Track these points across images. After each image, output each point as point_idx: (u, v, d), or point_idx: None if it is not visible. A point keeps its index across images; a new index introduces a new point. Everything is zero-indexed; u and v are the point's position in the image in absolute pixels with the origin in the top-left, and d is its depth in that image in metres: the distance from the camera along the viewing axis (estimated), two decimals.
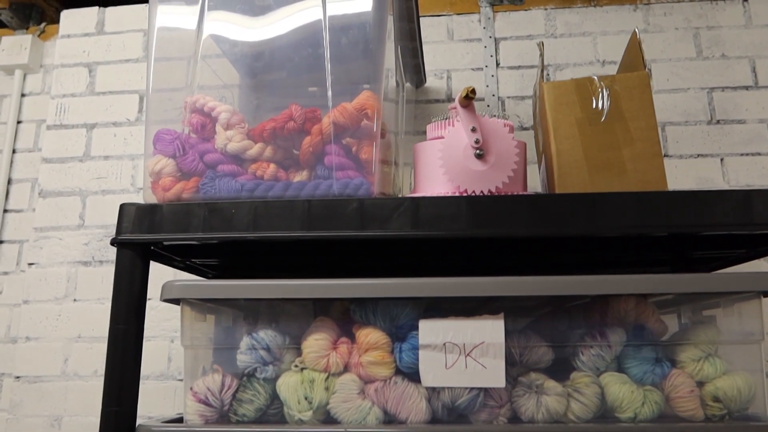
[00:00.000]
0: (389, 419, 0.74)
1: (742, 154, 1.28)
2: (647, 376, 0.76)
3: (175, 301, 0.79)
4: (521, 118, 1.33)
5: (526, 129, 1.32)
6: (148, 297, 1.22)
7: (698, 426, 0.73)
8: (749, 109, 1.30)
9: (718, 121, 1.30)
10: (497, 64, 1.35)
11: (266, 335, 0.76)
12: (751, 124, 1.29)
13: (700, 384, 0.76)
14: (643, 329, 0.78)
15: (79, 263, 1.25)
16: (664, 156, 1.29)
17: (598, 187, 0.81)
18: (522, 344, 0.76)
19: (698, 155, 1.28)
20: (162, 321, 1.21)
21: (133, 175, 1.29)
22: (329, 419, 0.75)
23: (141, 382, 1.19)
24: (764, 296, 0.78)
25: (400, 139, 1.15)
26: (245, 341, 0.77)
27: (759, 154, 1.28)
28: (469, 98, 0.77)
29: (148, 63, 0.89)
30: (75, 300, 1.23)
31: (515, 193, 0.81)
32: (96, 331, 1.20)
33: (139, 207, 0.79)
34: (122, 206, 0.80)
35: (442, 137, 0.82)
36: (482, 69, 1.35)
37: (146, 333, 1.21)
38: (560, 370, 0.78)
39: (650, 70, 1.34)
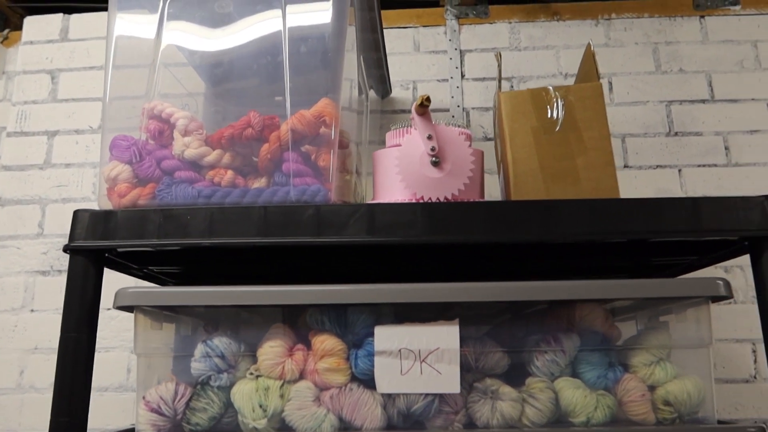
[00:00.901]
0: (344, 426, 0.74)
1: (699, 166, 1.31)
2: (600, 380, 0.77)
3: (129, 309, 0.78)
4: (485, 129, 1.35)
5: (490, 140, 1.34)
6: (107, 307, 1.21)
7: (650, 429, 0.74)
8: (706, 122, 1.34)
9: (676, 133, 1.33)
10: (462, 76, 1.37)
11: (221, 342, 0.76)
12: (707, 137, 1.33)
13: (652, 388, 0.77)
14: (597, 335, 0.80)
15: (38, 273, 1.23)
16: (624, 167, 1.32)
17: (553, 195, 0.82)
18: (478, 350, 0.77)
19: (657, 166, 1.31)
20: (121, 331, 1.19)
21: (94, 183, 1.27)
22: (284, 427, 0.74)
23: (99, 393, 1.17)
24: (713, 302, 0.80)
25: (364, 148, 1.15)
26: (199, 349, 0.76)
27: (715, 165, 1.31)
28: (424, 106, 0.78)
29: (105, 71, 0.88)
30: (32, 310, 1.21)
31: (471, 200, 0.82)
32: (53, 342, 1.18)
33: (93, 213, 0.78)
34: (76, 212, 0.79)
35: (400, 145, 0.83)
36: (447, 80, 1.37)
37: (105, 344, 1.19)
38: (515, 375, 0.78)
39: (611, 83, 1.37)
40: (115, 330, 1.20)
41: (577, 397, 0.75)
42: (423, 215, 0.75)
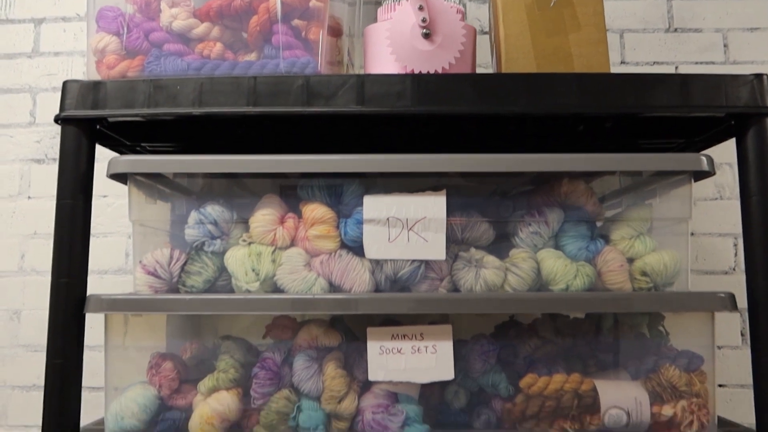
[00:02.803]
0: (334, 290, 0.77)
1: (696, 63, 1.29)
2: (581, 252, 0.80)
3: (123, 180, 0.80)
4: (482, 22, 1.32)
5: (486, 33, 1.31)
6: (104, 194, 1.23)
7: (626, 296, 0.77)
8: (706, 18, 1.31)
9: (675, 30, 1.31)
10: None
11: (213, 210, 0.78)
12: (707, 33, 1.30)
13: (631, 261, 0.80)
14: (581, 210, 0.82)
15: (32, 161, 1.24)
16: (621, 63, 1.30)
17: (544, 71, 0.82)
18: (464, 222, 0.79)
19: (654, 62, 1.30)
20: (118, 218, 1.22)
21: (84, 72, 1.26)
22: (276, 290, 0.77)
23: (99, 276, 1.21)
24: (695, 179, 0.81)
25: (358, 40, 1.13)
26: (193, 216, 0.78)
27: (713, 63, 1.29)
28: None
29: None
30: (29, 197, 1.23)
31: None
32: (51, 227, 1.20)
33: (82, 84, 0.78)
34: (65, 83, 0.79)
35: (391, 18, 0.82)
36: None
37: (103, 229, 1.22)
38: (500, 248, 0.81)
39: None
40: (111, 216, 1.22)
41: (557, 266, 0.78)
42: (412, 86, 0.75)
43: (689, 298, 0.75)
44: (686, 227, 0.81)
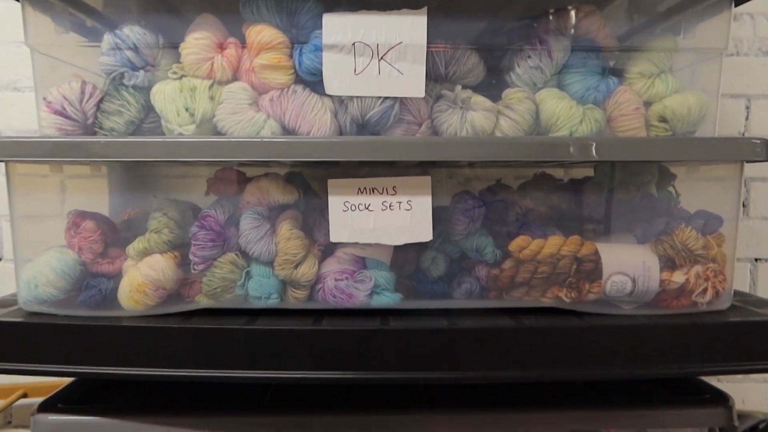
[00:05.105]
0: (287, 134, 0.63)
1: None
2: (590, 93, 0.66)
3: None
4: None
5: None
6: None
7: (642, 140, 0.64)
8: None
9: None
10: None
11: (132, 32, 0.61)
12: None
13: (648, 105, 0.67)
14: (591, 42, 0.67)
15: None
16: None
17: None
18: (449, 51, 0.64)
19: None
20: None
21: None
22: (216, 135, 0.63)
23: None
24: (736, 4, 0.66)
25: None
26: (107, 39, 0.61)
27: None
28: None
29: None
30: None
31: None
32: None
33: None
34: None
35: None
36: None
37: (28, 83, 1.05)
38: (492, 87, 0.67)
39: None
40: None
41: (560, 108, 0.64)
42: None
43: (718, 144, 0.62)
44: (719, 64, 0.67)
